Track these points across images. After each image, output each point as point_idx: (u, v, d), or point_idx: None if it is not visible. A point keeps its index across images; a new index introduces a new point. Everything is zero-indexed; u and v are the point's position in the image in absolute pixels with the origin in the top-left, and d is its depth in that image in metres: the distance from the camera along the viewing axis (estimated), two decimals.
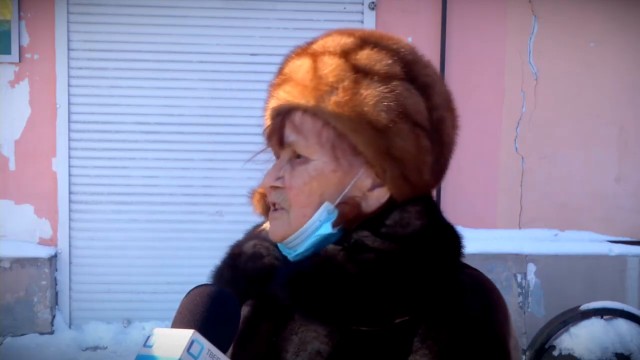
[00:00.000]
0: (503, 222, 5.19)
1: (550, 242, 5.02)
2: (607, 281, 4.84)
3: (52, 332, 4.97)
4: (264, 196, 1.05)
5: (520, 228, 5.19)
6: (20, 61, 4.95)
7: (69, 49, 4.98)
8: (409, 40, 4.58)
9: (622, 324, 3.89)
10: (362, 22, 5.05)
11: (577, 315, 3.95)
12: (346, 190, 0.97)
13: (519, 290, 4.88)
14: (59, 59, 4.97)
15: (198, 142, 5.09)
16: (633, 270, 4.86)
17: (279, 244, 1.02)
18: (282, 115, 0.99)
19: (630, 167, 5.23)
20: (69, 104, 5.00)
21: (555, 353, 3.90)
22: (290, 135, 0.98)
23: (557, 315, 4.10)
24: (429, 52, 5.15)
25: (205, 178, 5.08)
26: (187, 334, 0.83)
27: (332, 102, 0.95)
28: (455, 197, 5.14)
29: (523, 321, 4.87)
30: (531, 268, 4.89)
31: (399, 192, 0.98)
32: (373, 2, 5.03)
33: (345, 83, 0.96)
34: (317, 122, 0.97)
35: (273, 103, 1.01)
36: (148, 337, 0.85)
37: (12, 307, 4.90)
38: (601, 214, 5.21)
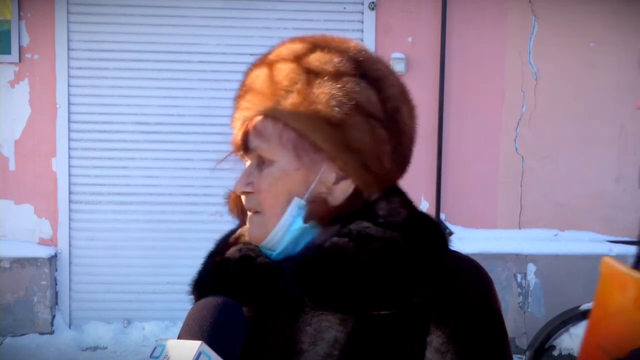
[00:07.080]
0: (503, 222, 5.18)
1: (550, 242, 5.02)
2: None
3: (52, 332, 4.97)
4: (239, 199, 1.09)
5: (520, 228, 5.19)
6: (20, 61, 4.95)
7: (69, 49, 4.98)
8: (409, 40, 4.56)
9: None
10: (362, 22, 5.05)
11: (577, 315, 3.95)
12: (312, 187, 1.02)
13: (519, 290, 4.87)
14: (59, 59, 4.97)
15: (198, 142, 5.09)
16: None
17: (260, 247, 1.06)
18: (246, 124, 1.04)
19: (630, 167, 5.22)
20: (69, 104, 5.00)
21: (555, 353, 3.90)
22: (253, 140, 1.03)
23: (557, 315, 4.10)
24: (429, 52, 5.17)
25: (205, 178, 5.08)
26: (195, 345, 0.84)
27: (288, 104, 1.01)
28: (455, 197, 5.14)
29: (523, 321, 4.87)
30: (531, 268, 4.89)
31: (363, 182, 1.03)
32: (373, 2, 5.03)
33: (299, 85, 1.01)
34: (277, 125, 1.02)
35: (237, 113, 1.07)
36: (155, 347, 0.85)
37: (12, 307, 4.90)
38: (601, 214, 5.20)
